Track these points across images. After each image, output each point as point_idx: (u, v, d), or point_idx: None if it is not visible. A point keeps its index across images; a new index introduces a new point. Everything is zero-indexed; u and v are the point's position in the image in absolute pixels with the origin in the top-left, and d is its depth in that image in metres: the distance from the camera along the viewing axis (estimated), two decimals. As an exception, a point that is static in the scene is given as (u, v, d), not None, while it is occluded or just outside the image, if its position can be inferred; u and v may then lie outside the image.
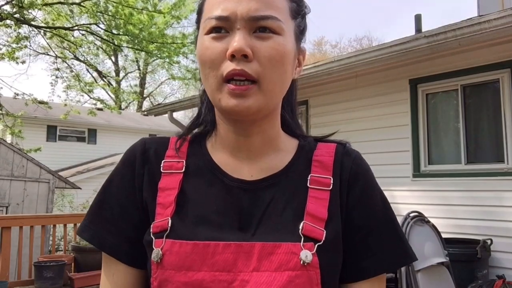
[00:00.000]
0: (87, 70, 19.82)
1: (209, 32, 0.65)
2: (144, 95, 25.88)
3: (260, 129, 0.71)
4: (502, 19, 3.71)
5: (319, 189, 0.69)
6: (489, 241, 4.11)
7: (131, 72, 25.65)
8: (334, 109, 5.67)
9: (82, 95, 14.15)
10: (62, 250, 7.26)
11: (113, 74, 24.05)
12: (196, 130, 0.78)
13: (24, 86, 46.52)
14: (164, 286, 0.63)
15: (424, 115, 4.94)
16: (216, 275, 0.62)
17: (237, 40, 0.62)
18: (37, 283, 4.14)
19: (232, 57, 0.63)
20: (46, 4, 9.55)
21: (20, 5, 8.53)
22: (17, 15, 8.78)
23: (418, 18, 5.56)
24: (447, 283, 3.52)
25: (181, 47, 10.89)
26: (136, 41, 10.17)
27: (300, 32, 0.72)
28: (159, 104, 12.86)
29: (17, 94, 9.73)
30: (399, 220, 3.49)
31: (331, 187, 0.70)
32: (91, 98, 13.55)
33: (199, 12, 0.71)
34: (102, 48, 13.63)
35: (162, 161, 0.73)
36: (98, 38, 10.68)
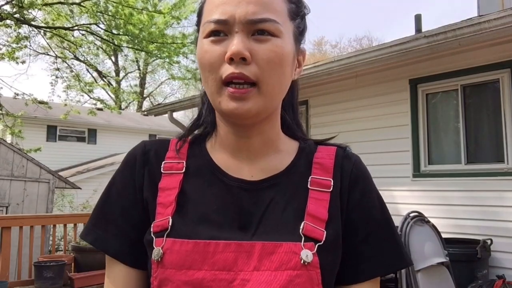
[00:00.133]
0: (87, 70, 19.83)
1: (208, 35, 0.66)
2: (144, 95, 25.89)
3: (260, 130, 0.71)
4: (502, 19, 3.71)
5: (319, 191, 0.70)
6: (489, 241, 4.11)
7: (131, 72, 25.68)
8: (334, 109, 5.67)
9: (82, 95, 14.17)
10: (62, 250, 7.26)
11: (113, 74, 24.06)
12: (196, 132, 0.79)
13: (24, 86, 46.55)
14: (164, 285, 0.64)
15: (424, 115, 4.94)
16: (217, 274, 0.63)
17: (235, 43, 0.63)
18: (37, 283, 4.14)
19: (231, 60, 0.63)
20: (46, 4, 9.55)
21: (20, 5, 8.54)
22: (17, 15, 8.79)
23: (418, 18, 5.56)
24: (447, 283, 3.52)
25: (181, 47, 10.89)
26: (136, 41, 10.17)
27: (300, 33, 0.72)
28: (159, 104, 12.86)
29: (17, 94, 9.74)
30: (399, 220, 3.50)
31: (331, 189, 0.70)
32: (91, 98, 13.57)
33: (199, 15, 0.72)
34: (102, 48, 13.64)
35: (163, 162, 0.73)
36: (98, 38, 10.68)
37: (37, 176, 8.08)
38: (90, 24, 10.50)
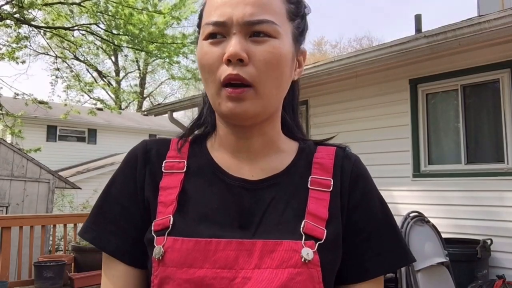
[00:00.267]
0: (87, 70, 19.81)
1: (207, 37, 0.67)
2: (144, 95, 25.88)
3: (261, 131, 0.72)
4: (502, 19, 3.71)
5: (319, 190, 0.70)
6: (489, 241, 4.11)
7: (131, 72, 25.67)
8: (334, 109, 5.68)
9: (82, 95, 14.19)
10: (62, 250, 7.26)
11: (113, 74, 24.04)
12: (196, 131, 0.79)
13: (24, 86, 46.59)
14: (165, 283, 0.64)
15: (424, 115, 4.94)
16: (218, 272, 0.63)
17: (233, 45, 0.63)
18: (37, 283, 4.14)
19: (229, 62, 0.64)
20: (46, 4, 9.56)
21: (20, 5, 8.54)
22: (17, 15, 8.79)
23: (418, 18, 5.57)
24: (447, 283, 3.52)
25: (181, 47, 10.91)
26: (136, 41, 10.19)
27: (299, 34, 0.73)
28: (159, 104, 12.86)
29: (17, 94, 9.74)
30: (399, 220, 3.51)
31: (331, 188, 0.71)
32: (91, 98, 13.57)
33: (200, 17, 0.73)
34: (102, 48, 13.65)
35: (164, 161, 0.73)
36: (98, 38, 10.69)
37: (37, 176, 8.08)
38: (90, 24, 10.51)
